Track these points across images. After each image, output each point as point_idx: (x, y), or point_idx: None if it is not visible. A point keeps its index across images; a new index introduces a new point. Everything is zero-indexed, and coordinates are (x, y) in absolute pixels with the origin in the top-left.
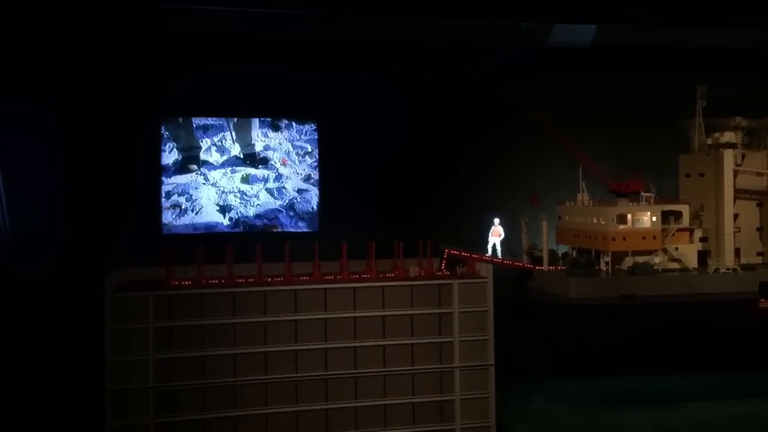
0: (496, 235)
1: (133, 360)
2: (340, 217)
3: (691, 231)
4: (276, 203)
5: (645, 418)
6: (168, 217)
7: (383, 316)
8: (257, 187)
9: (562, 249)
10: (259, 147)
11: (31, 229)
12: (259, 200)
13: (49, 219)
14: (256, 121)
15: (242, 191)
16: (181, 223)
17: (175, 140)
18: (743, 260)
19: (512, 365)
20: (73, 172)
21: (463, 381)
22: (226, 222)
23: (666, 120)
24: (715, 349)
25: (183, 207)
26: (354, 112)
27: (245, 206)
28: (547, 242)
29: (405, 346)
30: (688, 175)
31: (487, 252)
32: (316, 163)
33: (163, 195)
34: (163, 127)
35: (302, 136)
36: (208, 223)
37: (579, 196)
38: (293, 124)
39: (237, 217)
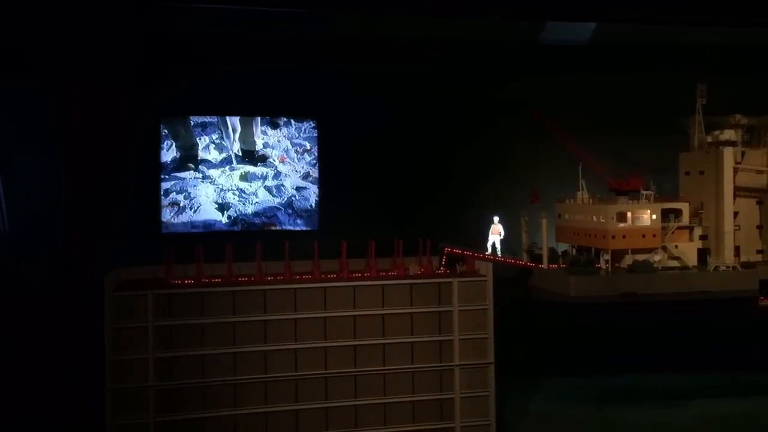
0: (495, 234)
1: (133, 359)
2: (340, 215)
3: (690, 229)
4: (275, 201)
5: (645, 416)
6: (166, 215)
7: (383, 315)
8: (256, 184)
9: (561, 247)
10: (257, 145)
11: (31, 229)
12: (258, 198)
13: (48, 218)
14: (257, 119)
15: (241, 189)
16: (180, 221)
17: (174, 138)
18: (743, 258)
19: (512, 363)
20: (72, 172)
21: (463, 379)
22: (224, 220)
23: (666, 118)
24: (715, 347)
25: (181, 205)
26: (353, 110)
27: (244, 204)
28: (546, 240)
29: (405, 344)
30: (687, 173)
31: (486, 250)
32: (314, 161)
33: (162, 193)
34: (162, 125)
35: (301, 134)
36: (206, 221)
37: (579, 194)
38: (292, 121)
39: (235, 215)
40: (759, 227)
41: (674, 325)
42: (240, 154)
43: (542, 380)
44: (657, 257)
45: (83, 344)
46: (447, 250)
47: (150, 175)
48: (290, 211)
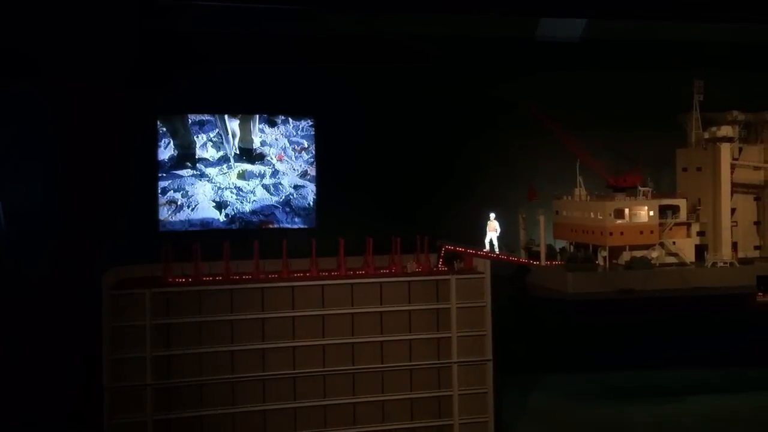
0: (492, 230)
1: (131, 357)
2: (338, 212)
3: (688, 225)
4: (272, 199)
5: (643, 412)
6: (164, 213)
7: (381, 312)
8: (253, 183)
9: (559, 244)
10: (255, 143)
11: (28, 227)
12: (255, 196)
13: (45, 217)
14: (255, 118)
15: (238, 187)
16: (177, 219)
17: (172, 136)
18: (740, 254)
19: (510, 360)
20: (70, 170)
21: (461, 376)
22: (222, 218)
23: (663, 114)
24: (713, 343)
25: (179, 203)
26: (350, 108)
27: (241, 202)
28: (544, 237)
29: (403, 342)
30: (685, 170)
31: (485, 247)
32: (312, 159)
33: (159, 191)
34: (160, 123)
35: (298, 132)
36: (204, 219)
37: (576, 191)
38: (289, 120)
39: (233, 213)
40: (756, 223)
41: (672, 322)
42: (238, 152)
43: (540, 377)
44: (654, 254)
45: (81, 342)
46: (445, 248)
47: (147, 173)
48: (288, 209)
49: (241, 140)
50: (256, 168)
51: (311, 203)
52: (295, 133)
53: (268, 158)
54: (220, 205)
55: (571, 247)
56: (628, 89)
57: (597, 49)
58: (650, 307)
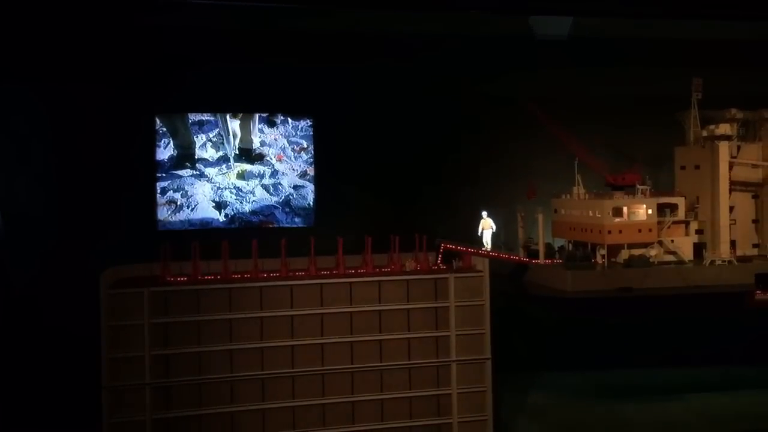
0: (487, 228)
1: (130, 356)
2: (336, 211)
3: (686, 223)
4: (272, 199)
5: (642, 410)
6: (164, 213)
7: (380, 311)
8: (253, 183)
9: (558, 242)
10: (255, 143)
11: (26, 226)
12: (255, 196)
13: (44, 216)
14: (255, 118)
15: (238, 187)
16: (177, 219)
17: (172, 136)
18: (739, 252)
19: (509, 359)
20: (68, 169)
21: (460, 375)
22: (221, 218)
23: (662, 112)
24: (711, 341)
25: (179, 203)
26: (349, 108)
27: (241, 202)
28: (543, 236)
29: (402, 340)
30: (683, 168)
31: (482, 246)
32: (312, 159)
33: (159, 191)
34: (159, 123)
35: (298, 132)
36: (203, 219)
37: (575, 189)
38: (289, 120)
39: (232, 213)
40: (755, 221)
41: (670, 320)
42: (237, 152)
43: (539, 375)
44: (653, 252)
45: (80, 342)
46: (443, 246)
47: (146, 172)
48: (288, 209)
49: (240, 140)
50: (255, 168)
51: (311, 203)
52: (294, 134)
53: (268, 158)
54: (219, 206)
55: (570, 246)
56: (627, 87)
57: (595, 47)
58: (649, 305)
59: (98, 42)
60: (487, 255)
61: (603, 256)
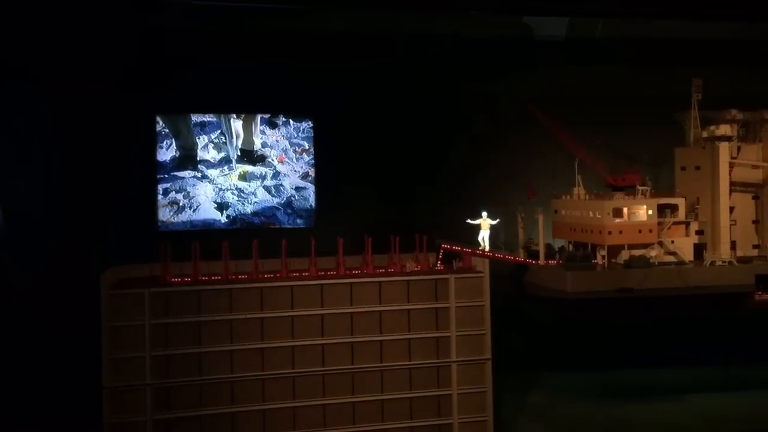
0: (485, 229)
1: (130, 357)
2: (337, 212)
3: (687, 224)
4: (273, 201)
5: (642, 410)
6: (166, 214)
7: (380, 312)
8: (254, 184)
9: (558, 243)
10: (256, 145)
11: (27, 227)
12: (257, 198)
13: (45, 216)
14: (257, 119)
15: (239, 188)
16: (179, 220)
17: (174, 137)
18: (739, 253)
19: (509, 359)
20: (69, 170)
21: (461, 375)
22: (223, 219)
23: (662, 113)
24: (712, 341)
25: (181, 204)
26: (349, 108)
27: (243, 204)
28: (543, 236)
29: (402, 341)
30: (683, 168)
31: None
32: (314, 161)
33: (161, 192)
34: (162, 123)
35: (299, 134)
36: (205, 220)
37: (575, 190)
38: (290, 121)
39: (234, 214)
40: (755, 222)
41: (671, 320)
42: (239, 153)
43: (539, 376)
44: (653, 252)
45: (80, 342)
46: (444, 247)
47: (146, 173)
48: (290, 210)
49: (242, 142)
50: (257, 169)
51: (312, 205)
52: (296, 135)
53: (269, 160)
54: (221, 207)
55: (570, 246)
56: (627, 87)
57: (595, 48)
58: (649, 305)
59: (99, 42)
60: (487, 256)
61: (603, 257)
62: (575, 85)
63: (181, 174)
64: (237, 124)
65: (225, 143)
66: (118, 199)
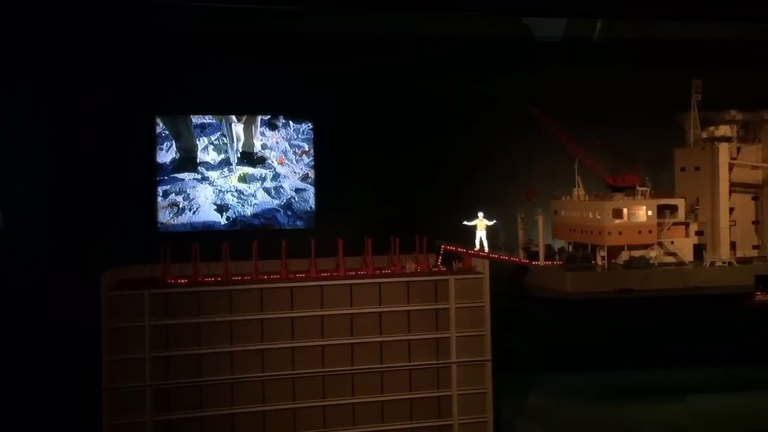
0: (482, 229)
1: (130, 358)
2: (337, 213)
3: (686, 225)
4: (273, 202)
5: (642, 411)
6: (166, 216)
7: (380, 313)
8: (254, 186)
9: (558, 244)
10: (256, 146)
11: (27, 227)
12: (257, 199)
13: (44, 217)
14: (257, 121)
15: (239, 190)
16: (179, 222)
17: (174, 139)
18: (739, 254)
19: (509, 360)
20: (69, 171)
21: (461, 376)
22: (223, 221)
23: (661, 114)
24: (711, 342)
25: (181, 206)
26: (349, 109)
27: (242, 205)
28: (543, 237)
29: (402, 342)
30: (683, 169)
31: (485, 247)
32: (313, 162)
33: (161, 194)
34: (162, 125)
35: (299, 135)
36: (205, 222)
37: (575, 190)
38: (290, 123)
39: (234, 216)
40: (755, 223)
41: (670, 321)
42: (239, 155)
43: (539, 377)
44: (653, 253)
45: (80, 343)
46: (444, 248)
47: (146, 174)
48: (290, 212)
49: (242, 144)
50: (257, 171)
51: (312, 207)
52: (296, 137)
53: (269, 161)
54: (221, 209)
55: (570, 247)
56: (627, 88)
57: (595, 48)
58: (649, 306)
59: (99, 43)
60: (487, 257)
61: (603, 258)
62: (575, 85)
63: (181, 176)
64: (238, 128)
65: (225, 145)
66: (119, 201)
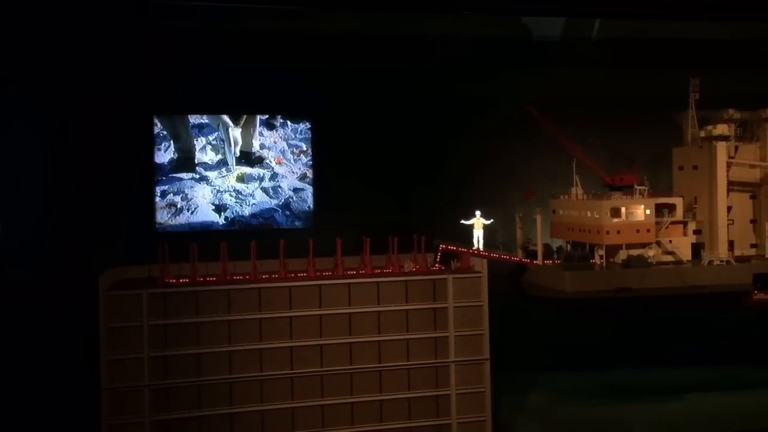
0: (479, 228)
1: (129, 358)
2: (335, 213)
3: (684, 224)
4: (272, 202)
5: (640, 410)
6: (164, 216)
7: (378, 312)
8: (252, 186)
9: (556, 243)
10: (254, 146)
11: (26, 228)
12: (255, 199)
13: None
14: (256, 122)
15: (237, 190)
16: (177, 222)
17: (172, 139)
18: (737, 252)
19: (507, 359)
20: (67, 171)
21: (459, 376)
22: (221, 221)
23: (659, 113)
24: (710, 341)
25: (179, 206)
26: (347, 109)
27: (241, 205)
28: (541, 236)
29: (400, 341)
30: (681, 168)
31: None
32: (311, 162)
33: (159, 194)
34: (160, 126)
35: (297, 135)
36: (203, 222)
37: (573, 189)
38: (288, 122)
39: (232, 216)
40: (752, 221)
41: (669, 320)
42: (237, 155)
43: (538, 376)
44: (651, 252)
45: (79, 343)
46: (442, 247)
47: (144, 174)
48: (288, 212)
49: (240, 147)
50: (255, 171)
51: (311, 206)
52: (293, 136)
53: (267, 161)
54: (219, 209)
55: (568, 246)
56: (625, 87)
57: (593, 48)
58: (647, 305)
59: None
60: (485, 256)
61: (601, 257)
62: (573, 85)
63: (179, 176)
64: (235, 132)
65: (223, 146)
66: (117, 201)
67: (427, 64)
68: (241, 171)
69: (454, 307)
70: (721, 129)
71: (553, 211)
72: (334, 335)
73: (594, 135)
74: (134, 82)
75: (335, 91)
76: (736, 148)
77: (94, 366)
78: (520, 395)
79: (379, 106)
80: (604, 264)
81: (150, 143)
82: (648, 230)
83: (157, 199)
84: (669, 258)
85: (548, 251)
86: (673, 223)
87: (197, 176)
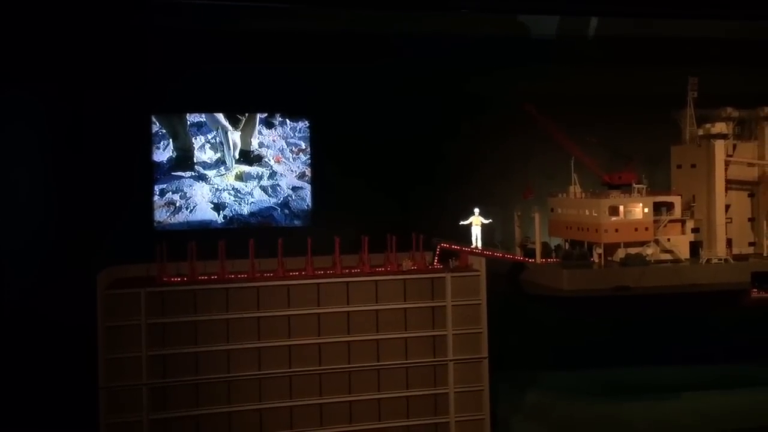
0: (476, 224)
1: (127, 357)
2: (333, 211)
3: (683, 222)
4: (270, 201)
5: (638, 408)
6: (163, 214)
7: (376, 310)
8: (251, 184)
9: (554, 241)
10: (253, 145)
11: (24, 227)
12: (254, 198)
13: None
14: (255, 122)
15: (236, 189)
16: (176, 220)
17: (171, 138)
18: (735, 251)
19: (506, 358)
20: (66, 170)
21: (457, 374)
22: (220, 220)
23: (658, 111)
24: (707, 339)
25: (177, 205)
26: (345, 108)
27: (239, 204)
28: (539, 235)
29: (398, 339)
30: (679, 167)
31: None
32: (310, 161)
33: (158, 193)
34: (159, 125)
35: (296, 134)
36: (202, 220)
37: (571, 188)
38: (287, 121)
39: (231, 214)
40: (750, 220)
41: (667, 318)
42: (236, 154)
43: (536, 374)
44: (649, 250)
45: (77, 342)
46: (440, 246)
47: (143, 173)
48: (286, 210)
49: (239, 147)
50: (254, 170)
51: (309, 205)
52: (292, 135)
53: (266, 160)
54: (218, 207)
55: (567, 245)
56: (623, 86)
57: (591, 46)
58: (645, 303)
59: (96, 43)
60: (484, 254)
61: (600, 255)
62: (571, 83)
63: (177, 174)
64: (235, 136)
65: (224, 151)
66: (115, 200)
67: (426, 62)
68: (239, 169)
69: (453, 305)
70: (720, 127)
71: (552, 210)
72: (332, 334)
73: (592, 133)
74: (132, 81)
75: (334, 90)
76: (735, 146)
77: (92, 365)
78: (519, 393)
79: (378, 105)
80: (603, 262)
81: (148, 142)
82: (646, 228)
83: (156, 197)
84: (667, 256)
85: (546, 250)
86: (671, 221)
87: (196, 175)
